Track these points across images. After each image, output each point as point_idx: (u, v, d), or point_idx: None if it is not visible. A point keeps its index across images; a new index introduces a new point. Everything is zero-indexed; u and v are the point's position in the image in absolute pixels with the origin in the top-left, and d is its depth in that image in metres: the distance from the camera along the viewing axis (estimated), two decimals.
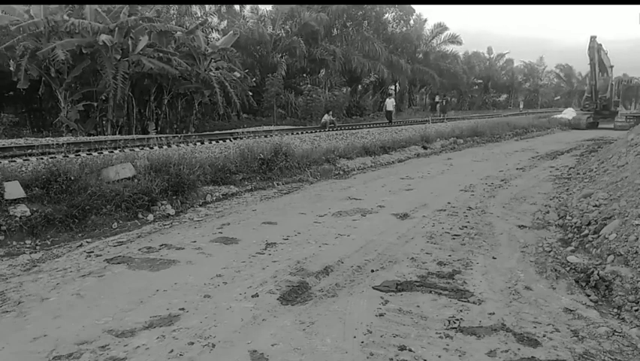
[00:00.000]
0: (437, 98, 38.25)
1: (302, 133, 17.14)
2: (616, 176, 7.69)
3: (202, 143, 13.59)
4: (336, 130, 18.93)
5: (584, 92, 32.17)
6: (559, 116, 32.81)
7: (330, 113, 21.91)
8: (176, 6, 25.29)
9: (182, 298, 4.49)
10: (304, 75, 33.23)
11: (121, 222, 7.20)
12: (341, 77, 33.21)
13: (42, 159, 8.70)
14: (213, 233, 6.75)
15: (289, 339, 3.73)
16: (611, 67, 29.04)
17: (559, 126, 29.35)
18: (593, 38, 27.13)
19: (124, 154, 9.84)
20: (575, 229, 6.43)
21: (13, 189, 6.51)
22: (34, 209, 6.50)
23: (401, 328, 3.90)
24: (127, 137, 14.67)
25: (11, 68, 16.68)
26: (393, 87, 41.15)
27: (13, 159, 9.39)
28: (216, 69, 21.63)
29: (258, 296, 4.52)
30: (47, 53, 16.02)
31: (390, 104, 25.25)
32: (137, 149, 11.38)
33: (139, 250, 5.98)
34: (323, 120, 21.25)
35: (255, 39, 28.60)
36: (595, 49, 27.18)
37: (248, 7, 31.08)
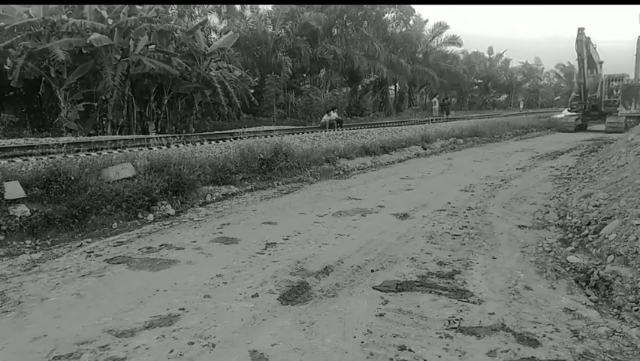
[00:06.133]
0: (435, 99, 38.27)
1: (302, 133, 17.14)
2: (616, 176, 7.68)
3: (202, 143, 13.60)
4: (336, 130, 18.89)
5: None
6: (559, 116, 32.67)
7: (336, 110, 21.67)
8: (176, 6, 25.30)
9: (182, 298, 4.48)
10: (304, 75, 33.26)
11: (121, 222, 7.20)
12: (341, 77, 33.25)
13: (42, 159, 8.71)
14: (213, 233, 6.75)
15: (289, 339, 3.72)
16: (601, 63, 26.68)
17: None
18: (580, 31, 24.23)
19: (124, 154, 9.85)
20: (575, 229, 6.43)
21: (13, 189, 6.51)
22: (34, 209, 6.50)
23: (401, 328, 3.90)
24: (127, 137, 14.69)
25: (7, 67, 16.64)
26: (393, 87, 41.23)
27: (13, 159, 9.41)
28: (217, 69, 21.63)
29: (258, 296, 4.52)
30: (45, 52, 16.01)
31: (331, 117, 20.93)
32: (136, 149, 11.39)
33: (139, 250, 5.98)
34: (322, 120, 21.19)
35: (256, 39, 28.62)
36: (583, 42, 24.39)
37: (248, 6, 31.09)
